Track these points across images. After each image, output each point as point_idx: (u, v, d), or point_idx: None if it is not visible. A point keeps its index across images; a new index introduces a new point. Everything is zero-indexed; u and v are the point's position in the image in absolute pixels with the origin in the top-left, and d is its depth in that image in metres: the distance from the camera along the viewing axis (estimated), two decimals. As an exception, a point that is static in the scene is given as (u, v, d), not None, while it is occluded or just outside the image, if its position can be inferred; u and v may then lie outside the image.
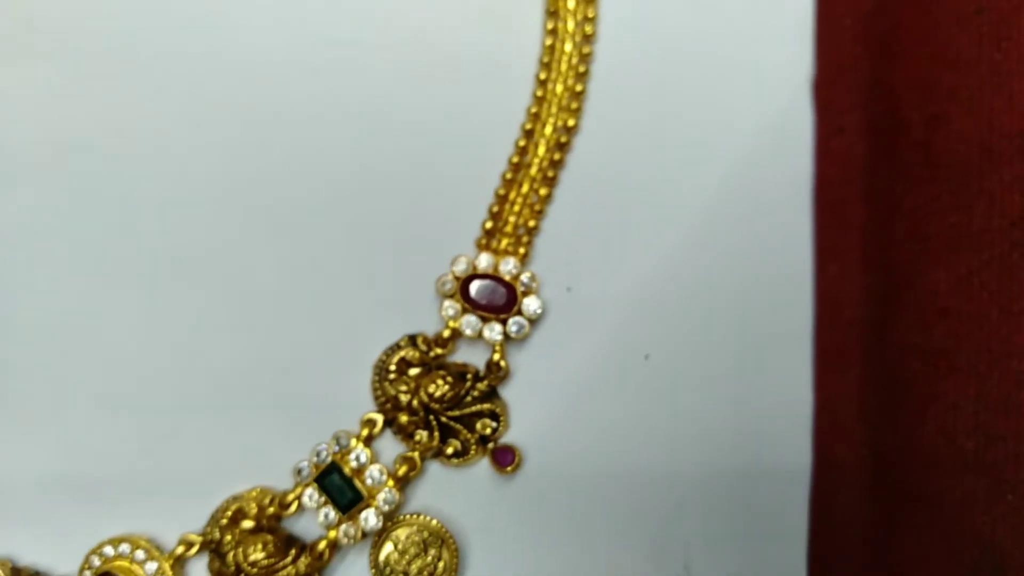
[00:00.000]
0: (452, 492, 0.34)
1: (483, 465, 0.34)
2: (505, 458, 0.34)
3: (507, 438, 0.34)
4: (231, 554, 0.32)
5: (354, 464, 0.33)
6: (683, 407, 0.34)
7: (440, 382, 0.33)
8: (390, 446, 0.34)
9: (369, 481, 0.33)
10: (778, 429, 0.34)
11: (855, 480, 0.34)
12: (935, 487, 0.33)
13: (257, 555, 0.32)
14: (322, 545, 0.33)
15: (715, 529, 0.34)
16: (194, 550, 0.33)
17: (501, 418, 0.34)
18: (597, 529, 0.34)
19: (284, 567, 0.32)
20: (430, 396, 0.33)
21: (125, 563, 0.33)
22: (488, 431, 0.34)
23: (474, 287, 0.34)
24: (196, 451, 0.34)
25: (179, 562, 0.33)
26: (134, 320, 0.35)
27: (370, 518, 0.33)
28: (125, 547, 0.33)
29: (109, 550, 0.33)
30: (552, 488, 0.34)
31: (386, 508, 0.33)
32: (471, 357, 0.35)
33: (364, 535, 0.33)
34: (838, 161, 0.36)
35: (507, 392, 0.35)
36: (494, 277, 0.34)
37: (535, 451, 0.34)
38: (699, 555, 0.34)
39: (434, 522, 0.33)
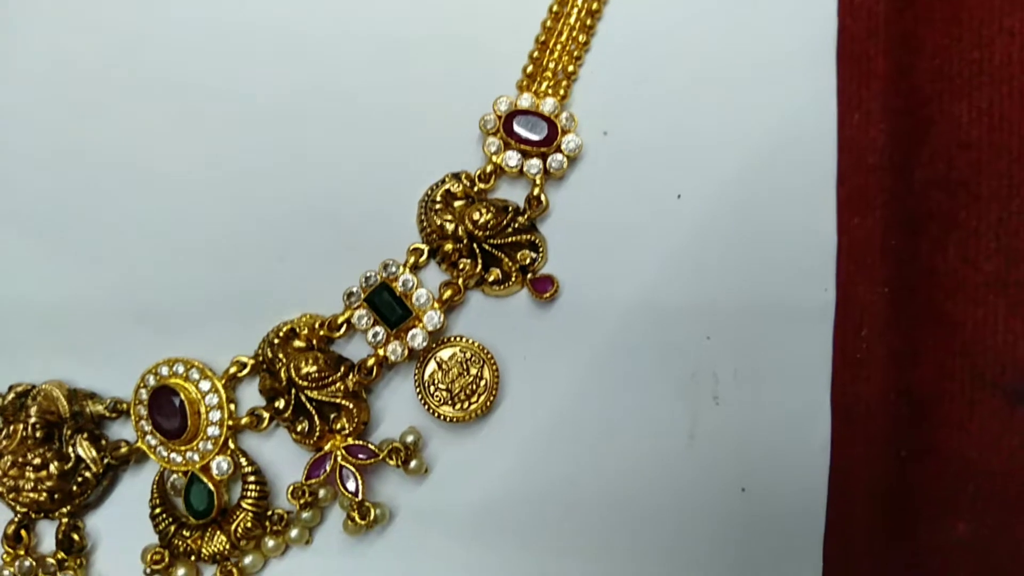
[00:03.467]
0: (493, 320, 0.35)
1: (522, 296, 0.36)
2: (544, 286, 0.35)
3: (545, 272, 0.36)
4: (283, 370, 0.34)
5: (401, 288, 0.34)
6: (713, 245, 0.36)
7: (483, 210, 0.35)
8: (434, 276, 0.36)
9: (416, 303, 0.34)
10: (803, 270, 0.36)
11: (877, 315, 0.35)
12: (956, 310, 0.34)
13: (309, 368, 0.33)
14: (371, 362, 0.34)
15: (743, 362, 0.35)
16: (246, 370, 0.35)
17: (540, 249, 0.35)
18: (630, 359, 0.35)
19: (334, 381, 0.34)
20: (474, 223, 0.34)
21: (180, 380, 0.34)
22: (528, 261, 0.35)
23: (517, 121, 0.35)
24: (249, 284, 0.36)
25: (231, 382, 0.35)
26: (193, 160, 0.36)
27: (417, 336, 0.34)
28: (180, 367, 0.34)
29: (164, 370, 0.35)
30: (588, 320, 0.35)
31: (431, 328, 0.34)
32: (511, 197, 0.36)
33: (411, 353, 0.34)
34: (862, 16, 0.37)
35: (545, 229, 0.36)
36: (536, 113, 0.35)
37: (571, 284, 0.35)
38: (728, 387, 0.35)
39: (476, 344, 0.34)
